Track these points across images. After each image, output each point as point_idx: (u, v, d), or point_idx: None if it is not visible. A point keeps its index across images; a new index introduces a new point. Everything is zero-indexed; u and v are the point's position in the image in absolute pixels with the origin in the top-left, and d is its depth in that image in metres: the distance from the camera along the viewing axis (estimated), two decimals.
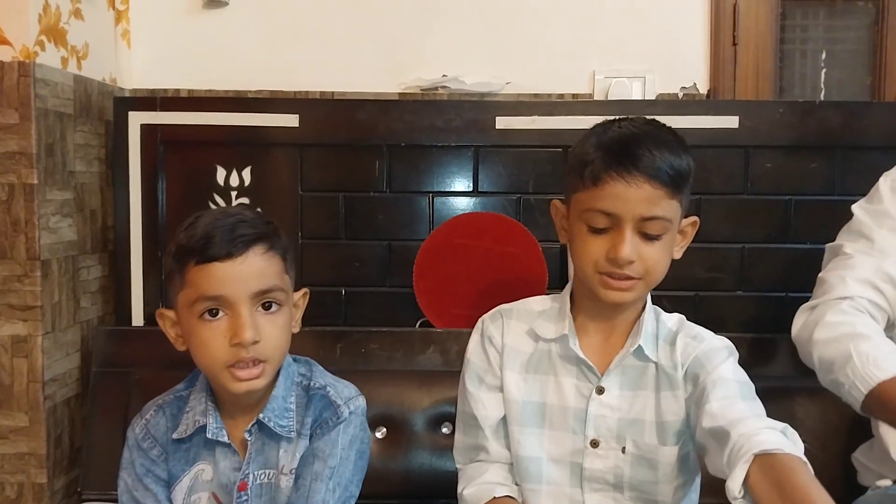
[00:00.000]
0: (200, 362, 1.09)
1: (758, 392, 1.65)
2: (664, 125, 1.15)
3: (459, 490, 1.23)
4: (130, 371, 1.67)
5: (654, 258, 1.10)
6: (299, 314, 1.18)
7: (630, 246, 1.07)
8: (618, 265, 1.08)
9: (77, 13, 1.72)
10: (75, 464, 1.71)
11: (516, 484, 1.21)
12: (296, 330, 1.17)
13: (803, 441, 1.59)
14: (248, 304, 1.07)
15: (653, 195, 1.07)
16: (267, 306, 1.09)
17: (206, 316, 1.07)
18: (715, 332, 1.73)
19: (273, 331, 1.09)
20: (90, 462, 1.63)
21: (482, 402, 1.21)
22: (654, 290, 1.82)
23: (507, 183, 1.82)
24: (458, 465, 1.27)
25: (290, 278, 1.13)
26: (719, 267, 1.81)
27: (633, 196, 1.06)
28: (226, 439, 1.13)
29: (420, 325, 1.81)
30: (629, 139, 1.09)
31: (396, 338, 1.72)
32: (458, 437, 1.27)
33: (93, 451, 1.64)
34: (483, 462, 1.22)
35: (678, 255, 1.17)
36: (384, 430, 1.63)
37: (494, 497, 1.16)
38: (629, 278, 1.10)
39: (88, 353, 1.75)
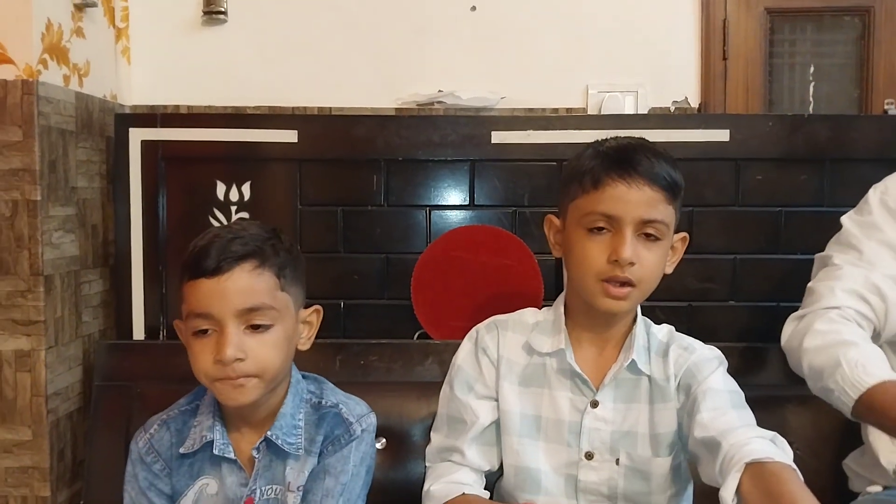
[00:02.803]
0: (195, 374, 1.12)
1: (750, 401, 1.68)
2: (653, 143, 1.20)
3: (426, 487, 1.25)
4: (131, 385, 1.68)
5: (651, 263, 1.13)
6: (310, 331, 1.20)
7: (631, 247, 1.10)
8: (619, 267, 1.11)
9: (79, 31, 1.75)
10: (78, 477, 1.72)
11: (485, 489, 1.25)
12: (304, 347, 1.19)
13: (795, 449, 1.62)
14: (234, 322, 1.08)
15: (652, 198, 1.11)
16: (257, 326, 1.09)
17: (199, 333, 1.09)
18: (708, 342, 1.77)
19: (261, 349, 1.09)
20: (92, 475, 1.64)
21: (471, 407, 1.24)
22: (647, 300, 1.86)
23: (502, 196, 1.85)
24: (427, 464, 1.30)
25: (288, 296, 1.13)
26: (712, 277, 1.83)
27: (634, 198, 1.10)
28: (232, 455, 1.15)
29: (418, 337, 1.83)
30: (627, 147, 1.15)
31: (395, 350, 1.73)
32: (435, 438, 1.30)
33: (95, 465, 1.64)
34: (454, 463, 1.25)
35: (669, 269, 1.21)
36: (384, 440, 1.64)
37: (464, 493, 1.19)
38: (626, 284, 1.12)
39: (90, 367, 1.76)
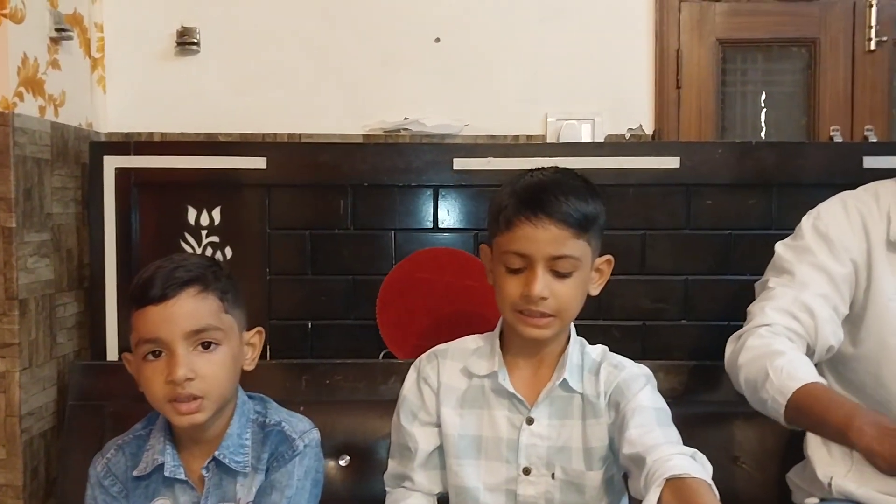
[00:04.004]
0: (147, 398, 1.18)
1: (700, 417, 1.75)
2: (575, 173, 1.27)
3: None
4: (104, 404, 1.73)
5: (566, 295, 1.20)
6: (254, 353, 1.26)
7: (542, 283, 1.18)
8: (532, 302, 1.18)
9: (55, 63, 1.81)
10: (51, 495, 1.77)
11: None
12: (249, 367, 1.25)
13: (741, 463, 1.70)
14: (183, 344, 1.14)
15: (559, 236, 1.17)
16: (206, 345, 1.16)
17: (150, 357, 1.16)
18: (661, 360, 1.83)
19: (210, 368, 1.16)
20: (65, 493, 1.69)
21: (414, 436, 1.31)
22: (604, 319, 1.92)
23: (464, 220, 1.92)
24: (386, 489, 1.37)
25: (232, 318, 1.20)
26: (664, 298, 1.90)
27: (542, 237, 1.17)
28: (183, 476, 1.21)
29: (383, 357, 1.89)
30: (538, 187, 1.21)
31: (360, 369, 1.79)
32: (391, 464, 1.37)
33: (67, 483, 1.69)
34: (406, 489, 1.32)
35: (595, 291, 1.28)
36: (348, 457, 1.69)
37: None
38: (544, 315, 1.20)
39: (64, 387, 1.81)
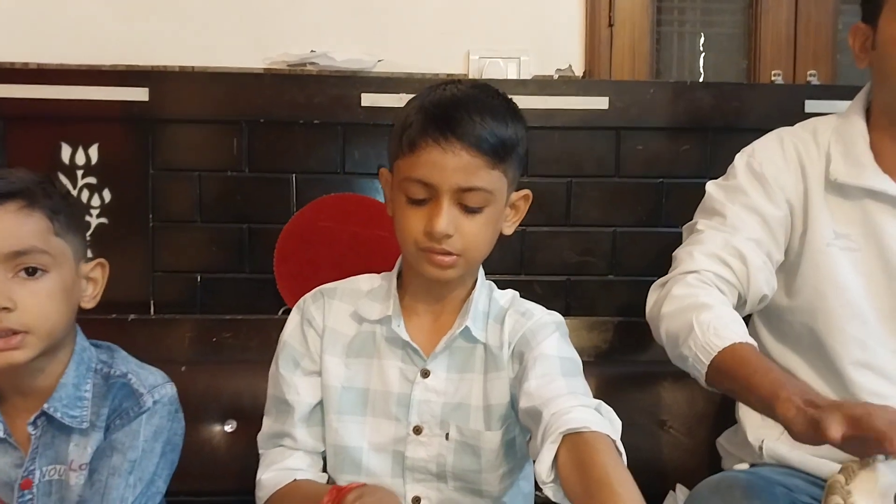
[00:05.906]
0: None
1: (626, 378, 1.63)
2: (495, 91, 1.10)
3: (258, 476, 1.16)
4: None
5: (473, 233, 1.04)
6: (95, 289, 1.10)
7: (447, 219, 1.01)
8: (435, 239, 1.02)
9: None
10: None
11: (324, 472, 1.16)
12: (89, 305, 1.09)
13: (669, 427, 1.58)
14: (1, 268, 0.98)
15: (471, 164, 1.01)
16: (30, 272, 1.00)
17: None
18: (587, 317, 1.70)
19: (34, 299, 1.00)
20: None
21: (296, 387, 1.14)
22: (526, 274, 1.80)
23: (375, 163, 1.75)
24: (260, 451, 1.20)
25: (64, 243, 1.04)
26: (590, 251, 1.77)
27: (450, 164, 1.00)
28: (1, 434, 1.03)
29: (283, 314, 1.72)
30: (450, 102, 1.03)
31: (251, 326, 1.64)
32: (266, 422, 1.19)
33: None
34: (286, 448, 1.16)
35: (509, 230, 1.13)
36: (234, 423, 1.53)
37: (295, 479, 1.10)
38: (448, 254, 1.04)
39: None
